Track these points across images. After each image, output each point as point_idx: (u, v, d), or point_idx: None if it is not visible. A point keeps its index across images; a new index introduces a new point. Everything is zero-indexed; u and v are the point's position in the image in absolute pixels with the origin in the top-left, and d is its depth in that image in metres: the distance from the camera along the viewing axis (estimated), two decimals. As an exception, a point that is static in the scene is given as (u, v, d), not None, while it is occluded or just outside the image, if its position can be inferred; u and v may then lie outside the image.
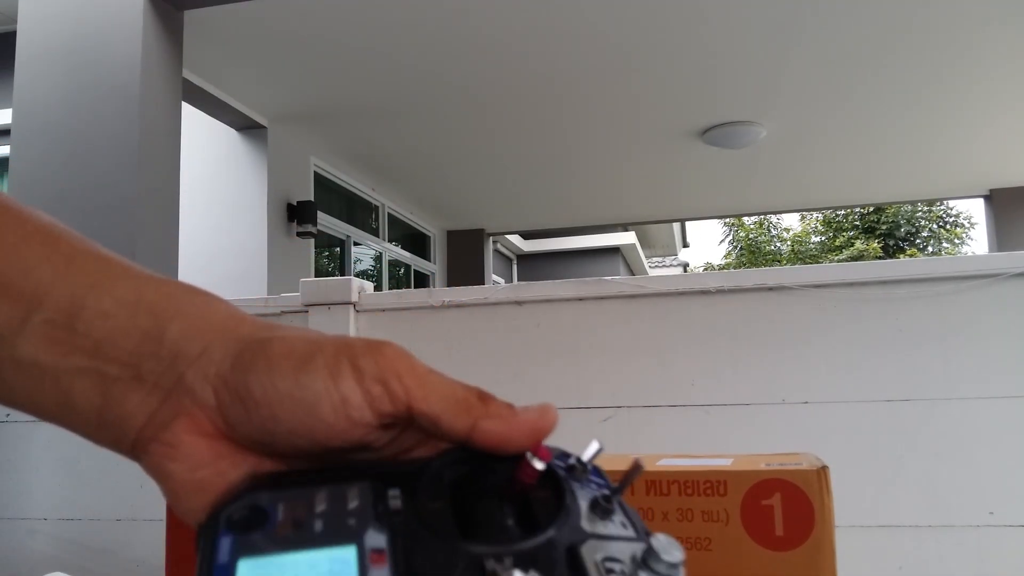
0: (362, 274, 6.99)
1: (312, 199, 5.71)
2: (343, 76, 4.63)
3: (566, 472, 0.31)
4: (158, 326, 0.30)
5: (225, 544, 0.27)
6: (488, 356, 1.52)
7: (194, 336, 0.30)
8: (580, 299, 1.49)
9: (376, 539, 0.27)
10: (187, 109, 4.17)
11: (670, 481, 0.75)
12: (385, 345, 0.30)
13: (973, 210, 20.65)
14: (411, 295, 1.59)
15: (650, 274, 15.51)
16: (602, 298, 1.48)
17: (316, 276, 5.70)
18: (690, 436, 1.41)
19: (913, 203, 18.11)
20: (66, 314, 0.30)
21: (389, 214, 7.37)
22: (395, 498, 0.29)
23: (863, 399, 1.33)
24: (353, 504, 0.28)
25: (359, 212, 6.87)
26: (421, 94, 4.90)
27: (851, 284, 1.36)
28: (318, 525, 0.28)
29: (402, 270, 7.87)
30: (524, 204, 7.97)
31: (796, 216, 23.18)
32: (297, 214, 5.45)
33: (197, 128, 4.94)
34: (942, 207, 20.58)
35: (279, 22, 3.92)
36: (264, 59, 4.37)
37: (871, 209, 20.01)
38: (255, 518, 0.28)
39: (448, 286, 8.05)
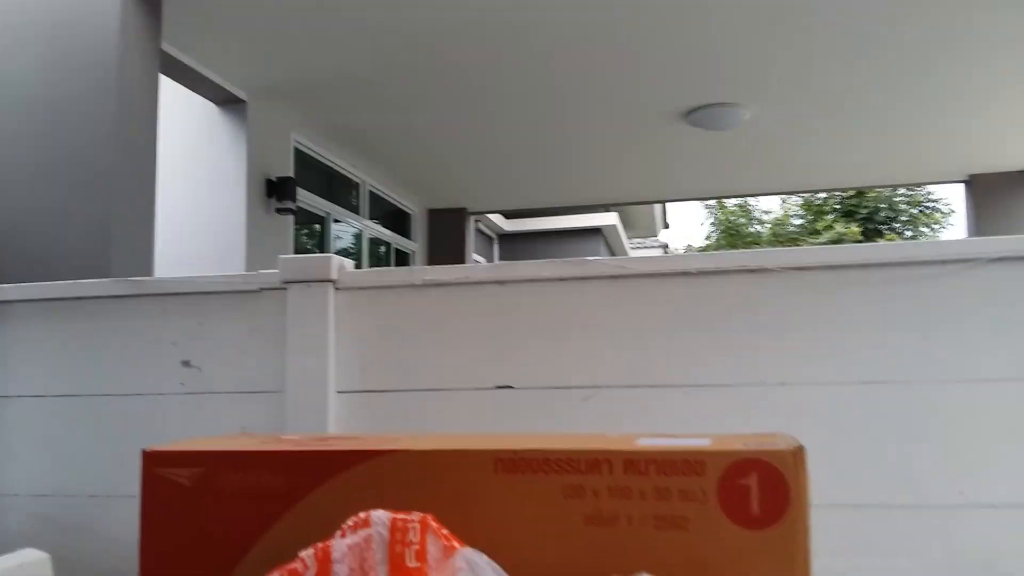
0: (342, 252, 6.95)
1: (292, 175, 5.65)
2: (325, 51, 4.57)
3: None
4: None
5: None
6: (469, 335, 1.51)
7: None
8: (562, 279, 1.48)
9: None
10: (165, 82, 4.10)
11: (648, 460, 0.75)
12: None
13: (952, 196, 20.90)
14: (392, 273, 1.58)
15: (631, 255, 15.53)
16: (584, 278, 1.47)
17: (296, 253, 5.66)
18: (669, 416, 1.41)
19: (894, 187, 18.25)
20: None
21: (370, 192, 7.32)
22: None
23: (840, 381, 1.34)
24: None
25: (340, 189, 6.82)
26: (404, 70, 4.85)
27: (831, 267, 1.37)
28: None
29: (383, 248, 7.83)
30: (506, 183, 7.94)
31: (776, 199, 23.29)
32: (276, 190, 5.38)
33: (175, 102, 4.85)
34: (922, 192, 20.77)
35: (259, -6, 3.86)
36: (245, 32, 4.30)
37: (852, 193, 20.16)
38: None
39: (428, 265, 8.02)
